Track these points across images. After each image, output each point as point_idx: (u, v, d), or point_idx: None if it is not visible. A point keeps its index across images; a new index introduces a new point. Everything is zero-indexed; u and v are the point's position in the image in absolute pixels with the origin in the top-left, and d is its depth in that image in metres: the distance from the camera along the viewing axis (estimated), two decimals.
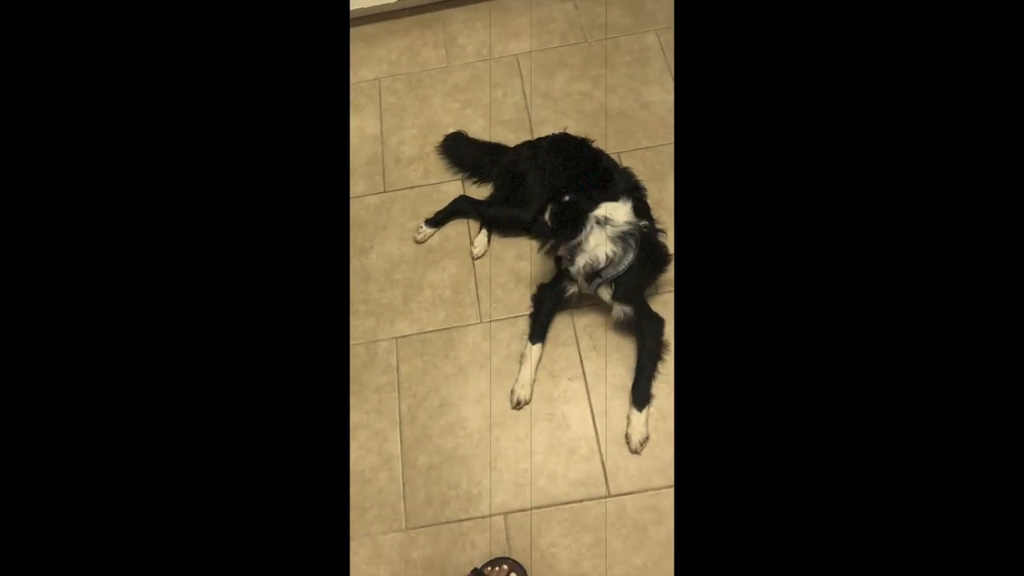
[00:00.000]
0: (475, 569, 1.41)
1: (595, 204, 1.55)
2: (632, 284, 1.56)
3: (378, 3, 2.26)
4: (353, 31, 2.35)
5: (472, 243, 1.85)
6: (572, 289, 1.65)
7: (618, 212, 1.55)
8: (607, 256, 1.52)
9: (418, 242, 1.88)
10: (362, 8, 2.27)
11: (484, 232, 1.84)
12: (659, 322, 1.63)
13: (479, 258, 1.83)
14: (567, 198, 1.55)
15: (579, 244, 1.53)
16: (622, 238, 1.52)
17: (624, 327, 1.65)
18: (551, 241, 1.59)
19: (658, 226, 1.70)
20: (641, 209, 1.67)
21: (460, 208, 1.88)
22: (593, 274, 1.55)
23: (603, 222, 1.53)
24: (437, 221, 1.89)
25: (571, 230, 1.53)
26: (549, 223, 1.55)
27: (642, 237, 1.55)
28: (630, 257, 1.53)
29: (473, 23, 2.32)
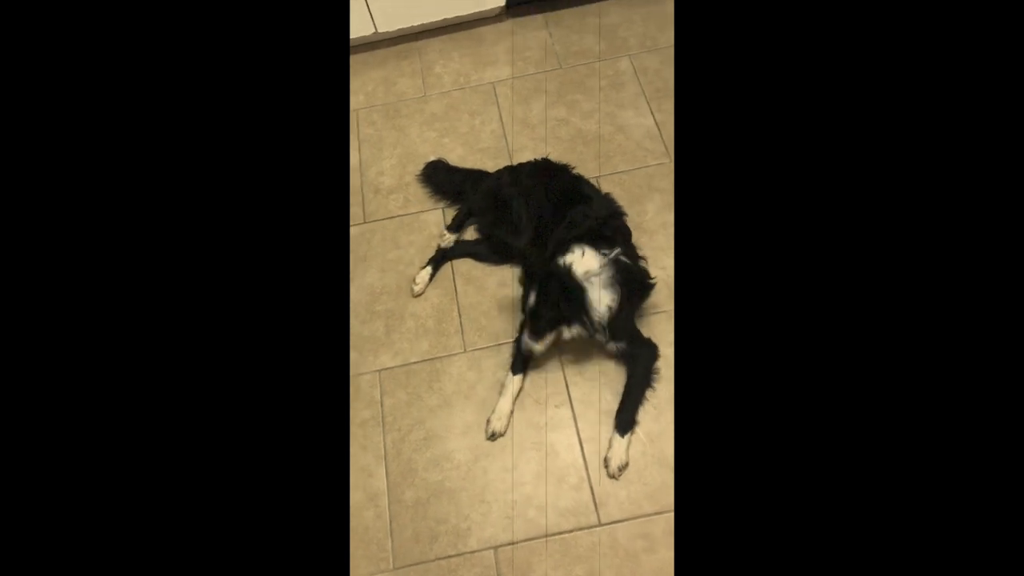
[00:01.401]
0: None
1: (558, 263, 1.49)
2: (622, 319, 1.55)
3: (354, 35, 2.28)
4: None
5: (414, 280, 1.82)
6: (570, 333, 1.57)
7: (588, 260, 1.51)
8: (610, 307, 1.50)
9: (442, 248, 1.86)
10: None
11: (428, 269, 1.83)
12: (652, 349, 1.62)
13: (418, 295, 1.81)
14: (547, 279, 1.48)
15: (588, 310, 1.49)
16: (610, 284, 1.50)
17: (619, 359, 1.64)
18: (562, 323, 1.51)
19: (639, 253, 1.70)
20: (618, 235, 1.65)
21: (472, 211, 1.87)
22: (600, 326, 1.53)
23: (589, 278, 1.49)
24: (456, 226, 1.87)
25: (576, 306, 1.47)
26: (545, 309, 1.48)
27: (621, 271, 1.54)
28: (617, 297, 1.51)
29: (449, 52, 2.35)
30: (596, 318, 1.50)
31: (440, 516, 1.53)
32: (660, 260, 1.82)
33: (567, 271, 1.48)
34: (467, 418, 1.65)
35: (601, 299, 1.49)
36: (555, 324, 1.52)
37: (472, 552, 1.48)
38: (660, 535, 1.46)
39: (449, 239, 1.87)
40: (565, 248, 1.55)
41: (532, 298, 1.49)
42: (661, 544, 1.45)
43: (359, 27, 2.25)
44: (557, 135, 2.10)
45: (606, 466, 1.53)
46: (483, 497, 1.54)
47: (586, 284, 1.48)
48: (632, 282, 1.57)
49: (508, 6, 2.33)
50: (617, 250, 1.58)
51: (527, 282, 1.54)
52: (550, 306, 1.48)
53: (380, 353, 1.75)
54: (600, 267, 1.50)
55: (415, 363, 1.73)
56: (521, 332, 1.64)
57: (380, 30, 2.28)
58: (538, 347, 1.55)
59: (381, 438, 1.64)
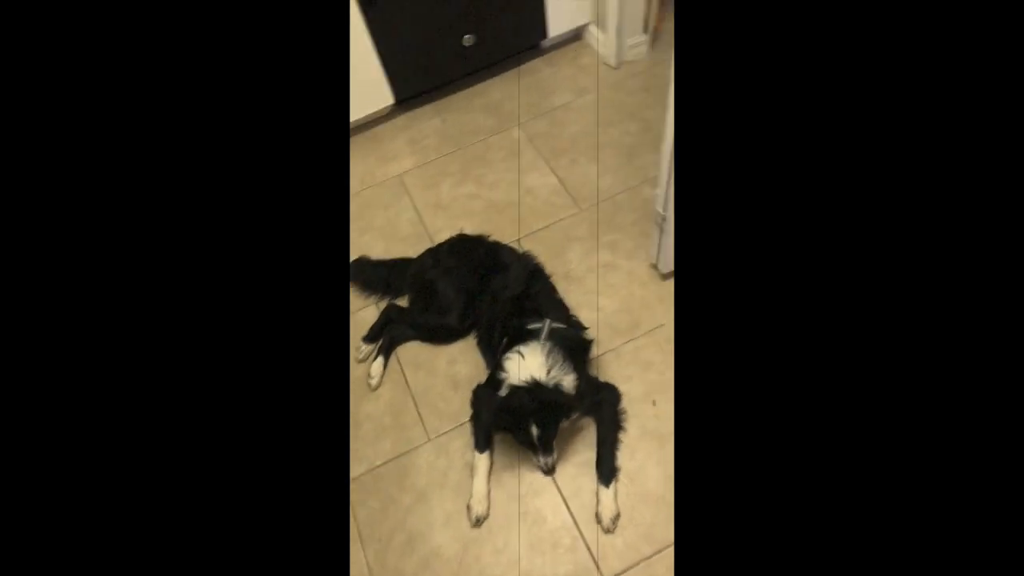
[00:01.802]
0: None
1: (517, 388, 1.49)
2: (581, 381, 1.57)
3: None
4: None
5: (369, 373, 1.80)
6: (568, 422, 1.58)
7: (531, 359, 1.52)
8: (576, 383, 1.53)
9: (360, 361, 1.84)
10: None
11: (380, 360, 1.82)
12: (612, 391, 1.64)
13: (376, 388, 1.79)
14: (541, 408, 1.46)
15: (573, 398, 1.52)
16: (564, 365, 1.52)
17: (584, 413, 1.64)
18: (570, 417, 1.55)
19: (568, 307, 1.76)
20: (541, 297, 1.71)
21: (391, 317, 1.88)
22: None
23: (551, 372, 1.51)
24: (373, 336, 1.86)
25: (571, 400, 1.51)
26: (552, 429, 1.50)
27: (560, 344, 1.56)
28: (574, 373, 1.54)
29: (351, 156, 2.43)
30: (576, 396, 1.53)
31: None
32: (594, 301, 1.89)
33: (538, 386, 1.48)
34: (447, 507, 1.59)
35: (567, 383, 1.52)
36: (555, 432, 1.53)
37: None
38: (665, 574, 1.44)
39: (366, 350, 1.86)
40: (501, 368, 1.56)
41: (535, 430, 1.47)
42: None
43: None
44: (470, 210, 2.18)
45: (599, 522, 1.51)
46: None
47: (554, 381, 1.50)
48: (574, 348, 1.60)
49: (397, 102, 2.46)
50: (546, 321, 1.61)
51: (510, 422, 1.51)
52: (553, 422, 1.50)
53: None
54: (546, 357, 1.52)
55: (381, 465, 1.68)
56: (482, 419, 1.62)
57: None
58: (555, 456, 1.55)
59: (362, 555, 1.55)
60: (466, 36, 2.32)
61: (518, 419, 1.48)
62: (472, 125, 2.43)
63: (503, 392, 1.52)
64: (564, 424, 1.56)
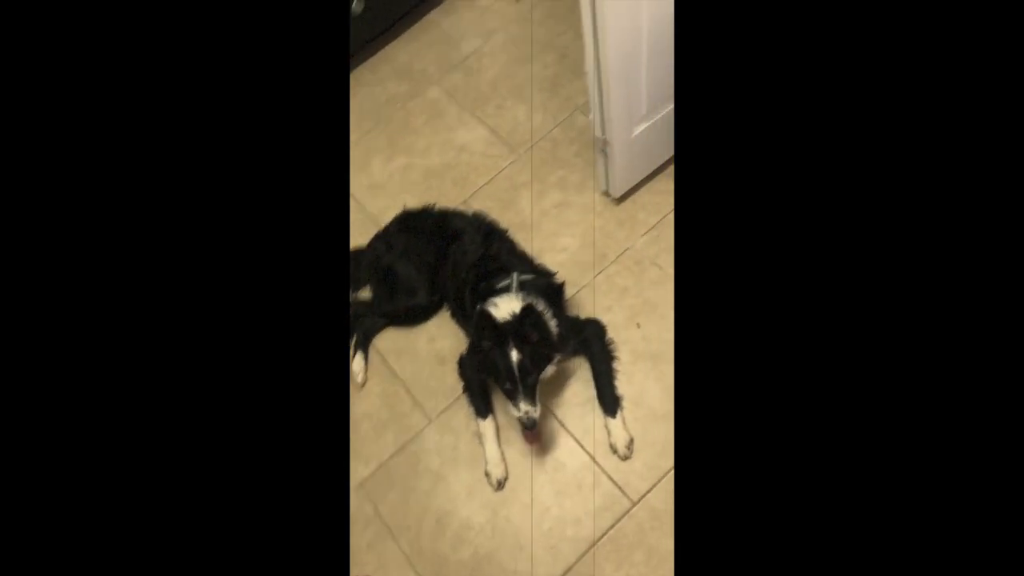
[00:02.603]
0: None
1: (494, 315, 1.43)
2: (561, 324, 1.53)
3: None
4: None
5: (352, 371, 1.74)
6: (551, 370, 1.51)
7: (507, 304, 1.46)
8: (556, 330, 1.49)
9: (361, 383, 1.76)
10: None
11: (360, 356, 1.77)
12: (596, 325, 1.64)
13: (364, 384, 1.75)
14: (517, 359, 1.38)
15: (554, 339, 1.48)
16: (544, 312, 1.47)
17: (572, 353, 1.63)
18: (555, 359, 1.49)
19: (531, 256, 1.71)
20: (503, 255, 1.65)
21: (358, 312, 1.81)
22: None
23: (536, 306, 1.45)
24: (353, 352, 1.79)
25: (550, 344, 1.45)
26: (532, 365, 1.41)
27: (532, 292, 1.52)
28: (554, 319, 1.49)
29: None
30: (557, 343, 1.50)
31: None
32: (557, 243, 1.86)
33: (516, 316, 1.42)
34: (466, 480, 1.59)
35: (552, 328, 1.48)
36: (540, 369, 1.44)
37: None
38: None
39: (360, 363, 1.76)
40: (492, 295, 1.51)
41: (513, 354, 1.37)
42: None
43: None
44: (409, 181, 2.10)
45: (615, 452, 1.54)
46: (519, 544, 1.50)
47: (543, 314, 1.46)
48: (547, 295, 1.56)
49: None
50: (513, 275, 1.56)
51: (490, 338, 1.43)
52: (535, 357, 1.41)
53: (352, 468, 1.66)
54: (521, 302, 1.45)
55: (390, 459, 1.66)
56: (478, 389, 1.60)
57: None
58: (537, 410, 1.43)
59: (396, 547, 1.55)
60: (353, 3, 2.17)
61: (496, 339, 1.39)
62: (386, 95, 2.31)
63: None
64: (548, 372, 1.49)
